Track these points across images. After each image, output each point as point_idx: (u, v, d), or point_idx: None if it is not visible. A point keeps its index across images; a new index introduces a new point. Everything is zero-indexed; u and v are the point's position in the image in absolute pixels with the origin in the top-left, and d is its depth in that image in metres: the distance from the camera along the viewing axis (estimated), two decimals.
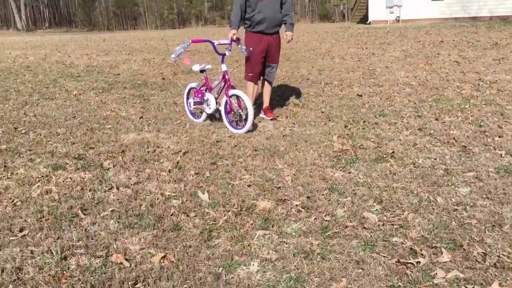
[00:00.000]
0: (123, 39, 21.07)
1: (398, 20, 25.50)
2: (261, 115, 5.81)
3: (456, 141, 4.58)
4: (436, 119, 5.40)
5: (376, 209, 3.19)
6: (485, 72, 8.34)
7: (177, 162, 4.22)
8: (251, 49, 5.38)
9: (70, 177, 3.87)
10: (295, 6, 47.77)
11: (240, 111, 5.19)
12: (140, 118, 5.94)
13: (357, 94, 6.93)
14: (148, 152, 4.55)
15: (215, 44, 5.26)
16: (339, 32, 20.07)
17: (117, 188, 3.65)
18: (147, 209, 3.29)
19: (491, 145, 4.42)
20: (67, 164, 4.21)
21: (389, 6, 25.50)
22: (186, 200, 3.42)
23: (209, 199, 3.43)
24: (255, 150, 4.51)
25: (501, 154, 4.15)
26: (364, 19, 28.71)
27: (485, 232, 2.84)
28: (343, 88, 7.48)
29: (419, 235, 2.83)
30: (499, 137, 4.65)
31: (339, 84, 7.81)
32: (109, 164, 4.20)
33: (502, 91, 6.71)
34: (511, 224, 2.91)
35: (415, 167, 3.96)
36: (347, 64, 10.15)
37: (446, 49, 11.94)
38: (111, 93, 7.68)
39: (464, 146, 4.43)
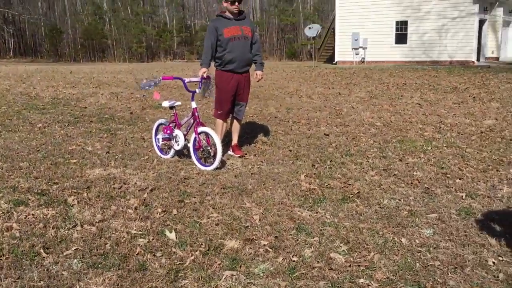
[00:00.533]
0: (90, 71, 20.90)
1: (363, 61, 26.37)
2: (230, 152, 5.83)
3: (419, 182, 4.71)
4: (400, 160, 5.55)
5: (343, 250, 3.22)
6: (445, 115, 8.67)
7: (144, 199, 4.17)
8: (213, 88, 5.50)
9: (32, 214, 3.77)
10: (264, 44, 48.68)
11: (209, 148, 5.21)
12: (106, 153, 5.87)
13: (324, 134, 7.07)
14: (114, 188, 4.48)
15: (185, 82, 5.30)
16: (307, 71, 20.53)
17: (81, 226, 3.57)
18: (112, 248, 3.22)
19: (452, 187, 4.56)
20: (29, 199, 4.10)
21: (354, 47, 26.42)
22: (153, 239, 3.37)
23: (176, 238, 3.40)
24: (223, 188, 4.51)
25: (462, 196, 4.29)
26: (330, 59, 29.52)
27: (448, 274, 2.91)
28: (310, 127, 7.61)
29: (384, 277, 2.87)
30: (459, 179, 4.81)
31: (306, 123, 7.96)
32: (73, 200, 4.11)
33: (462, 134, 6.97)
34: (472, 266, 2.99)
35: (380, 207, 4.04)
36: (315, 103, 10.37)
37: (409, 91, 12.38)
38: (77, 127, 7.57)
39: (427, 187, 4.56)
